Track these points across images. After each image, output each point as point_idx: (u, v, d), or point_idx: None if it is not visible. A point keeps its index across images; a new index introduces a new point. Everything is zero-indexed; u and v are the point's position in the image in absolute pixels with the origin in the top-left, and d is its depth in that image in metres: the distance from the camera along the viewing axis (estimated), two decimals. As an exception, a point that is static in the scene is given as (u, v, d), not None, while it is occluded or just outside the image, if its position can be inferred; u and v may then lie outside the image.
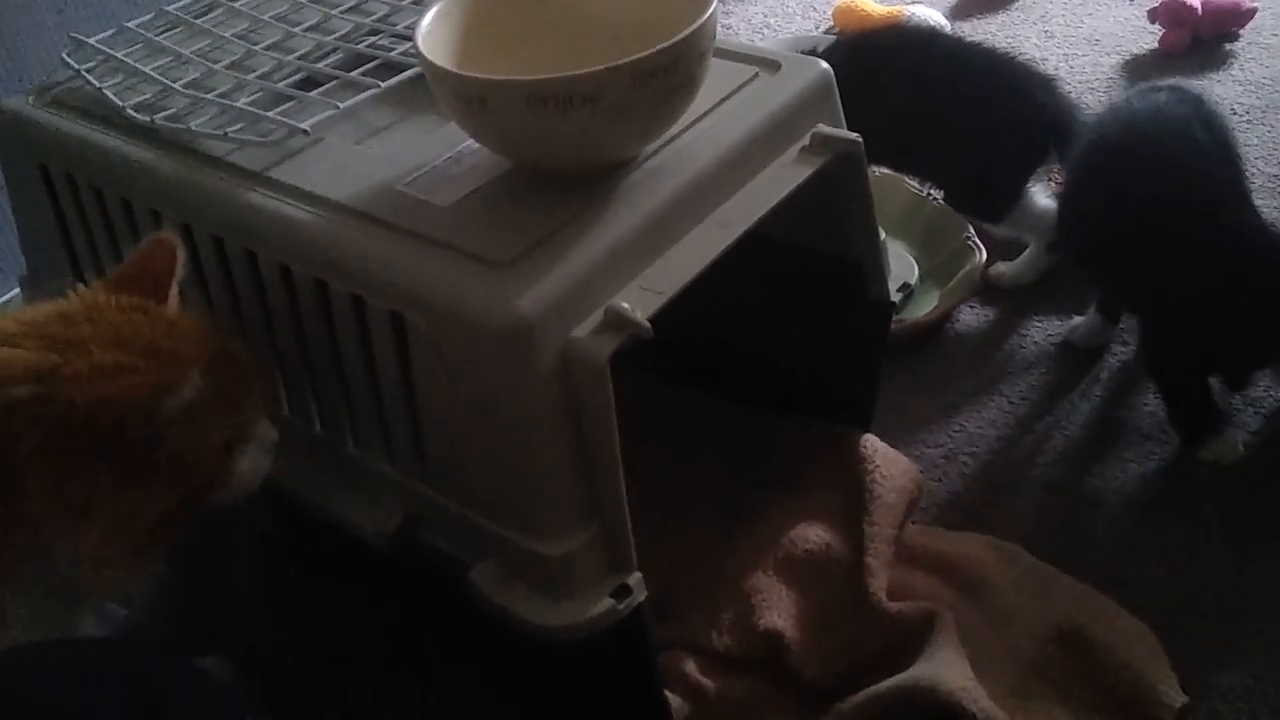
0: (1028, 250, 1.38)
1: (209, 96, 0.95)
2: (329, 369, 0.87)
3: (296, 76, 0.98)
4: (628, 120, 0.78)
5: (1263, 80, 1.68)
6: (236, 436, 0.78)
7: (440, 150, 0.87)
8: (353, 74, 0.96)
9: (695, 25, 0.76)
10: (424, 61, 0.79)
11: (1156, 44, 1.76)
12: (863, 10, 1.86)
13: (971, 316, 1.37)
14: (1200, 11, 1.73)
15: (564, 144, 0.78)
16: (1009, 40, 1.83)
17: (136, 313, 0.75)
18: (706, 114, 0.88)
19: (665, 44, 0.75)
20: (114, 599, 0.78)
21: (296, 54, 1.00)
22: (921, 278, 1.38)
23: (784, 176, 0.88)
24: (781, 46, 1.77)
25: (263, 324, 0.88)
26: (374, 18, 1.05)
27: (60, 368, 0.69)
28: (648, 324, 0.75)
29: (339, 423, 0.89)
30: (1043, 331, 1.34)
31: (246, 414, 0.79)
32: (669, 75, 0.76)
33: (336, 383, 0.87)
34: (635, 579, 0.82)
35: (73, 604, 0.76)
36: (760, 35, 1.94)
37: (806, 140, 0.91)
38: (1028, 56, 1.70)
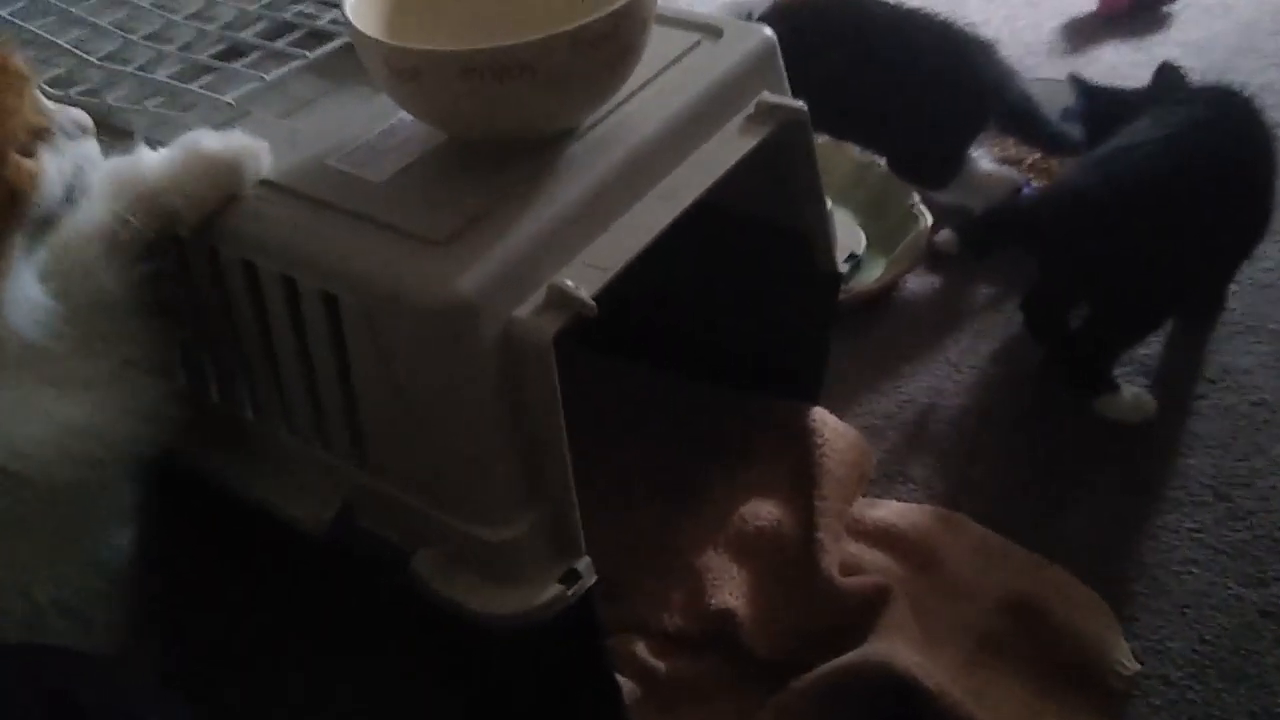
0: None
1: (127, 69, 0.91)
2: (261, 353, 0.83)
3: (219, 47, 0.94)
4: (567, 90, 0.75)
5: (1201, 42, 1.68)
6: (21, 141, 0.71)
7: (372, 123, 0.84)
8: (278, 44, 0.93)
9: (635, -9, 0.73)
10: (353, 31, 0.75)
11: (1096, 6, 1.76)
12: (803, -26, 1.83)
13: (918, 284, 1.36)
14: (1139, -27, 1.73)
15: (501, 115, 0.75)
16: (950, 3, 1.81)
17: None
18: (649, 82, 0.86)
19: (605, 11, 0.72)
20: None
21: (219, 23, 0.96)
22: (867, 245, 1.37)
23: (729, 146, 0.86)
24: (720, 10, 1.74)
25: (190, 308, 0.84)
26: (301, -17, 1.01)
27: None
28: (592, 302, 0.72)
29: (272, 409, 0.85)
30: (988, 298, 1.33)
31: (22, 115, 0.72)
32: (609, 43, 0.74)
33: (269, 367, 0.83)
34: (584, 563, 0.80)
35: None
36: None
37: (751, 108, 0.89)
38: (969, 20, 1.69)
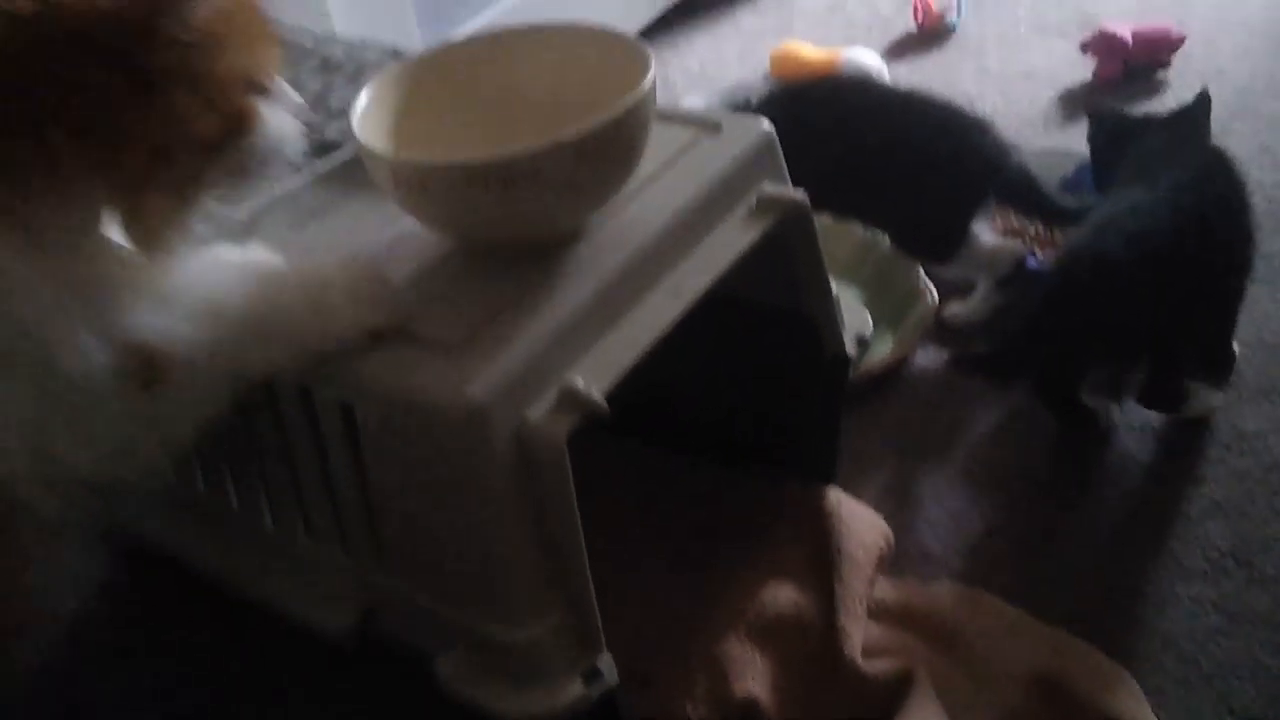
0: (978, 289, 1.39)
1: (141, 186, 0.93)
2: (278, 461, 0.84)
3: (230, 161, 0.96)
4: (572, 195, 0.77)
5: (1196, 106, 1.70)
6: (255, 79, 0.74)
7: (381, 231, 0.86)
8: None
9: (636, 96, 0.75)
10: (360, 146, 0.77)
11: (1090, 76, 1.79)
12: (799, 56, 1.87)
13: (927, 359, 1.37)
14: (1131, 42, 1.76)
15: (508, 222, 0.77)
16: (945, 78, 1.84)
17: None
18: (652, 180, 0.87)
19: (606, 118, 0.74)
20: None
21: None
22: (875, 321, 1.38)
23: (732, 239, 0.87)
24: (718, 96, 1.77)
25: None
26: (308, 95, 1.03)
27: None
28: (603, 403, 0.73)
29: (291, 517, 0.86)
30: (999, 370, 1.34)
31: (264, 58, 0.75)
32: (611, 148, 0.75)
33: (287, 475, 0.84)
34: (605, 661, 0.80)
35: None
36: (698, 85, 1.95)
37: (752, 200, 0.90)
38: (964, 95, 1.73)
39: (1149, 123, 1.32)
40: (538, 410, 0.74)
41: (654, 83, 0.78)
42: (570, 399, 0.74)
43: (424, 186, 0.75)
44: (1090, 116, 1.36)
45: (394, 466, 0.77)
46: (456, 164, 0.73)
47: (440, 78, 0.86)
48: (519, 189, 0.73)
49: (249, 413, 0.83)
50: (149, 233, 0.70)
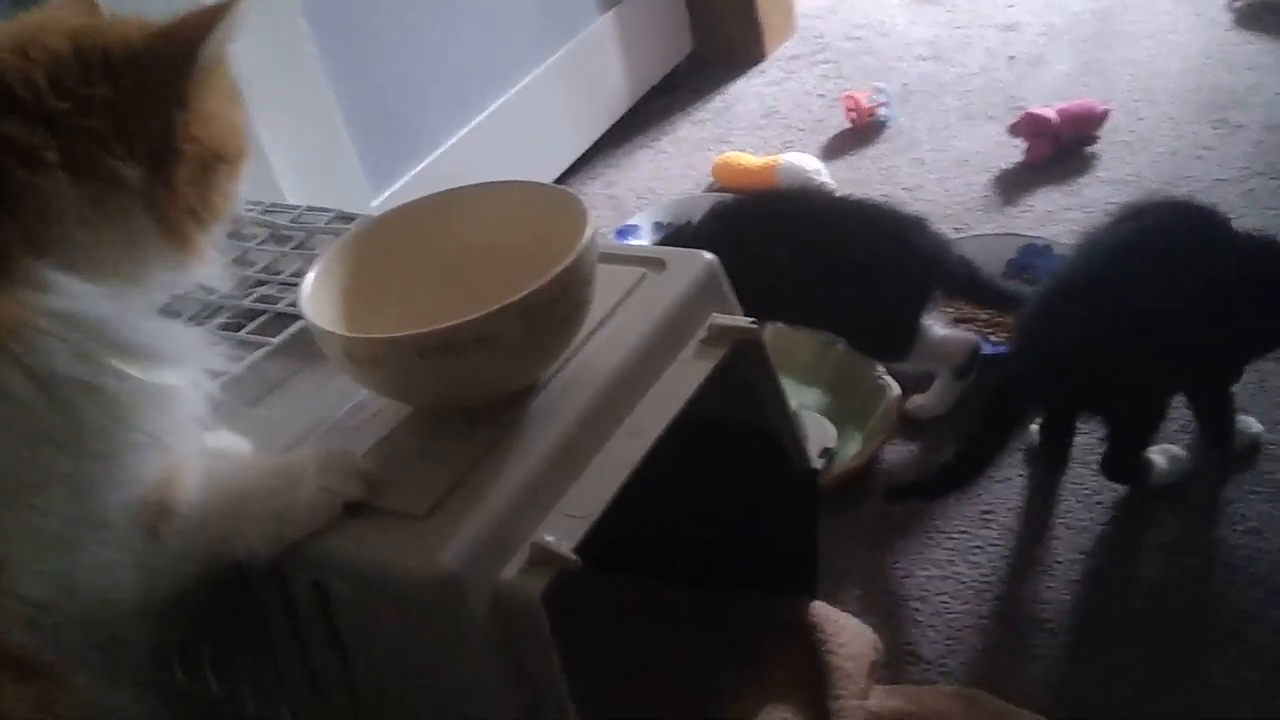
0: (938, 380, 1.40)
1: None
2: (259, 644, 0.83)
3: (185, 343, 0.96)
4: (523, 354, 0.78)
5: (1127, 177, 1.75)
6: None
7: (340, 401, 0.87)
8: (242, 332, 0.96)
9: (576, 252, 0.77)
10: (311, 325, 0.78)
11: (1022, 157, 1.83)
12: (740, 164, 1.91)
13: (896, 454, 1.37)
14: (1057, 120, 1.81)
15: (462, 386, 0.78)
16: (882, 172, 1.88)
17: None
18: (601, 325, 0.89)
19: (549, 277, 0.75)
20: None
21: (184, 318, 0.99)
22: (840, 422, 1.39)
23: (687, 373, 0.89)
24: (662, 213, 1.81)
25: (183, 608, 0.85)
26: (258, 268, 1.05)
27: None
28: (575, 556, 0.74)
29: (274, 695, 0.85)
30: (968, 459, 1.35)
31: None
32: (558, 305, 0.77)
33: (267, 655, 0.83)
34: (602, 813, 0.79)
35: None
36: (645, 199, 1.98)
37: (703, 332, 0.91)
38: (903, 185, 1.76)
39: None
40: (510, 570, 0.74)
41: (593, 236, 0.79)
42: (542, 555, 0.74)
43: (376, 361, 0.76)
44: None
45: (372, 640, 0.76)
46: (406, 337, 0.74)
47: (386, 245, 0.88)
48: (470, 354, 0.74)
49: (223, 596, 0.83)
50: (184, 239, 0.75)
